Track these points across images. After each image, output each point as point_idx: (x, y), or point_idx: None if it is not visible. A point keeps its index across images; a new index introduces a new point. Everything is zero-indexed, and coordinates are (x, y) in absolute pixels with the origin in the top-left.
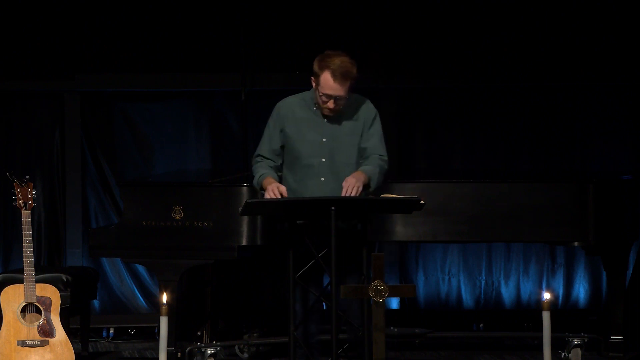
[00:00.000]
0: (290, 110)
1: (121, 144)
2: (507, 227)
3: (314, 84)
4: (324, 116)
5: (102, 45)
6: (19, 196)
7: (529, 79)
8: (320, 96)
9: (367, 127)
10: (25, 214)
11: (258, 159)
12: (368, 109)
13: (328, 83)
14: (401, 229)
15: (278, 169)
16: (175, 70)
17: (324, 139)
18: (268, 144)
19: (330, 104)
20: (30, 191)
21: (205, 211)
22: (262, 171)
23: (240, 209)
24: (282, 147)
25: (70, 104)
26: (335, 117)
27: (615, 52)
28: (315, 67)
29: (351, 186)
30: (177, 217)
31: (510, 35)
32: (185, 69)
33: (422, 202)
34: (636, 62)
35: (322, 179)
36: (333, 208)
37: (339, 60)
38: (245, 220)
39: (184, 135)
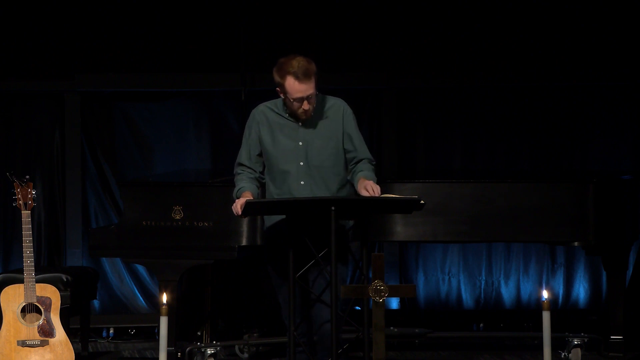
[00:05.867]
0: (264, 117)
1: (121, 144)
2: (507, 227)
3: (281, 95)
4: (299, 120)
5: (102, 45)
6: (19, 196)
7: (529, 79)
8: (292, 103)
9: (345, 126)
10: (25, 214)
11: (239, 169)
12: (340, 108)
13: (294, 87)
14: (401, 229)
15: (259, 178)
16: (175, 70)
17: (300, 143)
18: (247, 151)
19: (305, 105)
20: (30, 191)
21: (205, 211)
22: (242, 184)
23: None
24: (260, 154)
25: (70, 104)
26: (310, 120)
27: (616, 52)
28: (276, 77)
29: (375, 188)
30: (177, 217)
31: (510, 35)
32: (185, 69)
33: (422, 202)
34: (636, 62)
35: (302, 182)
36: (333, 208)
37: (296, 62)
38: (245, 220)
39: (184, 135)
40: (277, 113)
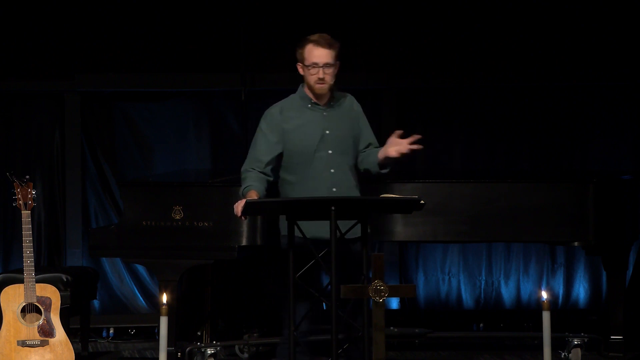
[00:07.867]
0: (285, 115)
1: (121, 144)
2: (507, 227)
3: (301, 70)
4: (323, 110)
5: (102, 45)
6: (19, 196)
7: (529, 79)
8: (309, 69)
9: (360, 120)
10: (25, 214)
11: (252, 166)
12: (352, 101)
13: (313, 52)
14: (401, 229)
15: (268, 178)
16: (175, 70)
17: (327, 131)
18: (265, 152)
19: (320, 73)
20: (30, 191)
21: (205, 211)
22: (249, 182)
23: None
24: (278, 155)
25: (70, 104)
26: (332, 109)
27: (616, 52)
28: (297, 50)
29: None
30: (177, 217)
31: (510, 35)
32: (185, 69)
33: (422, 202)
34: (636, 62)
35: (332, 170)
36: (333, 208)
37: (318, 34)
38: (245, 220)
39: (184, 135)
40: (298, 107)
